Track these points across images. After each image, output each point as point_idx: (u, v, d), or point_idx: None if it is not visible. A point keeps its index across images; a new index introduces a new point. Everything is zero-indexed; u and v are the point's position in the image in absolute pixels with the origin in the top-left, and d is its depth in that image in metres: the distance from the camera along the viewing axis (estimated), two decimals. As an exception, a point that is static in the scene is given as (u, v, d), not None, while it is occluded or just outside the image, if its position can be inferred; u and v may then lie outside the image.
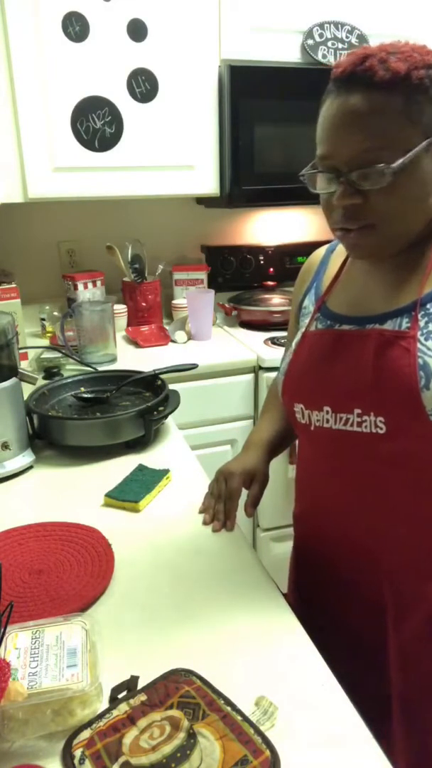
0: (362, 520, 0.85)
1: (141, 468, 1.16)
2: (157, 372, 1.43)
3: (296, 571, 1.05)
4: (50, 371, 1.73)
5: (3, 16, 1.62)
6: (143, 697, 0.64)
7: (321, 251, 0.99)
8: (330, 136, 0.73)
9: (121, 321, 2.13)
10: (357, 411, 0.78)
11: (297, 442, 1.01)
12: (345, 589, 0.91)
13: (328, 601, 0.94)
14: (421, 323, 0.75)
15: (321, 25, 1.88)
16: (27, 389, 1.28)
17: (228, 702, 0.63)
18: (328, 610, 0.94)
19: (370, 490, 0.83)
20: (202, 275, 2.23)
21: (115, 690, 0.66)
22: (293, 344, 0.91)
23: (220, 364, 1.84)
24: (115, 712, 0.63)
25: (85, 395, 1.42)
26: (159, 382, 1.41)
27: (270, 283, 2.28)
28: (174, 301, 2.19)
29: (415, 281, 0.78)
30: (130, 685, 0.66)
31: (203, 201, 2.21)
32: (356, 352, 0.80)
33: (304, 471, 0.97)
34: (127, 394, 1.43)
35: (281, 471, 1.94)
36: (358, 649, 0.91)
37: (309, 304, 0.93)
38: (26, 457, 1.20)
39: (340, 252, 0.94)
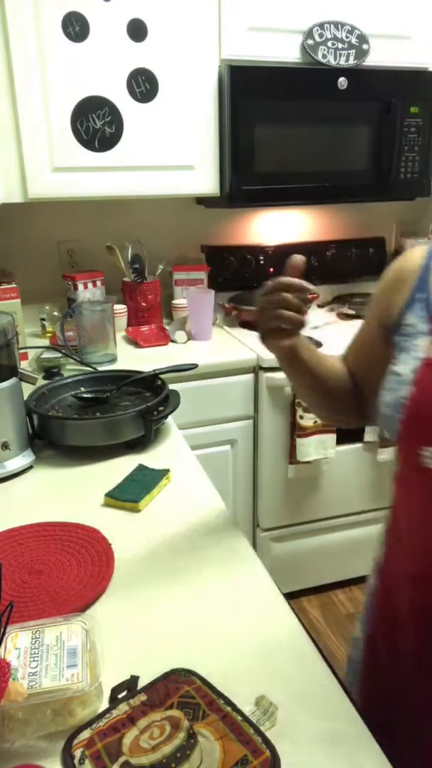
0: None
1: (141, 468, 1.16)
2: (157, 372, 1.43)
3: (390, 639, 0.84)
4: (50, 371, 1.73)
5: (3, 16, 1.62)
6: (143, 697, 0.64)
7: (416, 255, 0.82)
8: None
9: (121, 321, 2.13)
10: None
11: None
12: None
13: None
14: None
15: (321, 25, 1.88)
16: (27, 389, 1.28)
17: (228, 702, 0.63)
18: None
19: None
20: (202, 275, 2.23)
21: (115, 690, 0.66)
22: (410, 372, 0.74)
23: (220, 364, 1.84)
24: (115, 712, 0.63)
25: (85, 395, 1.42)
26: (159, 382, 1.41)
27: (270, 283, 2.28)
28: (174, 301, 2.19)
29: None
30: (130, 685, 0.67)
31: (203, 201, 2.21)
32: None
33: (424, 523, 0.77)
34: (127, 394, 1.43)
35: (281, 471, 1.95)
36: None
37: (417, 321, 0.77)
38: (26, 457, 1.20)
39: None
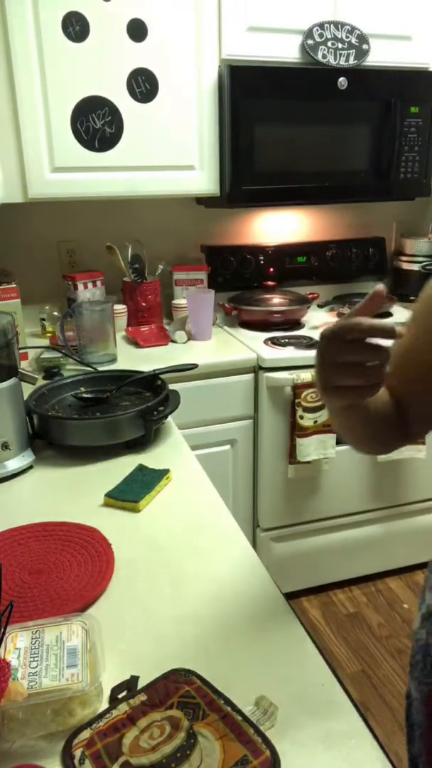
0: None
1: (141, 468, 1.16)
2: (157, 372, 1.43)
3: None
4: (50, 371, 1.73)
5: (3, 16, 1.62)
6: (143, 697, 0.64)
7: None
8: None
9: (121, 321, 2.13)
10: None
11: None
12: None
13: None
14: None
15: (321, 25, 1.88)
16: (27, 389, 1.28)
17: (228, 702, 0.63)
18: None
19: None
20: (202, 275, 2.23)
21: (115, 690, 0.66)
22: None
23: (220, 364, 1.84)
24: (115, 712, 0.63)
25: (85, 395, 1.42)
26: (159, 382, 1.41)
27: (270, 283, 2.29)
28: (174, 301, 2.19)
29: None
30: (130, 685, 0.67)
31: (203, 201, 2.21)
32: None
33: None
34: (127, 394, 1.43)
35: (281, 471, 1.94)
36: None
37: None
38: (26, 457, 1.20)
39: None
